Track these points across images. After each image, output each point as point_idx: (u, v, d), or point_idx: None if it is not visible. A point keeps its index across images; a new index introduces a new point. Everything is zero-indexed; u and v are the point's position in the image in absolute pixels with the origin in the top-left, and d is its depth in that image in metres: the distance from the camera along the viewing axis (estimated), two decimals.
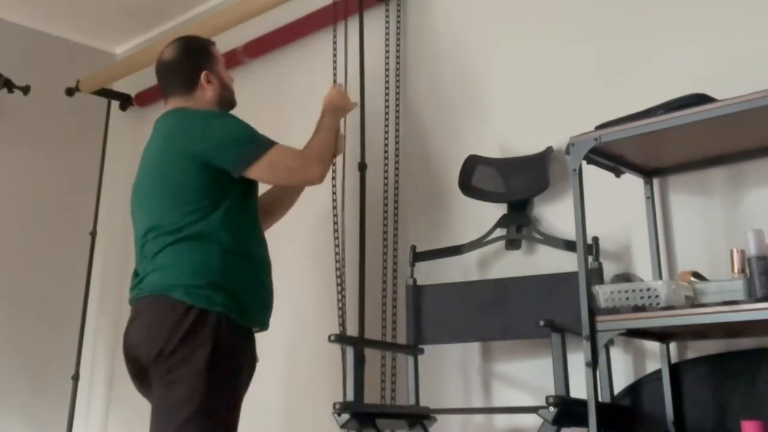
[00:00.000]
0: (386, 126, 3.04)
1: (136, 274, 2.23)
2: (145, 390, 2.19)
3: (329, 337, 2.37)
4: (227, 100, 2.42)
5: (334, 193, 2.95)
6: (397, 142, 3.02)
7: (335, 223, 2.91)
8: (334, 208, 2.93)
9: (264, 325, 2.24)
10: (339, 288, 2.83)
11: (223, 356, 2.05)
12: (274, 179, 2.30)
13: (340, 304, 2.79)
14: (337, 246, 2.84)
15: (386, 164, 3.00)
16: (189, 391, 2.00)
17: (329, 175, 2.85)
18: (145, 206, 2.24)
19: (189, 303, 2.05)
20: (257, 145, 2.20)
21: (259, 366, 2.23)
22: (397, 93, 3.08)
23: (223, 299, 2.09)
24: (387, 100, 3.06)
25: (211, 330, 2.04)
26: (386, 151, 3.02)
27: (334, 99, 2.51)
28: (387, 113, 3.05)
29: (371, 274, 2.87)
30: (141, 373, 2.14)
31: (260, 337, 2.23)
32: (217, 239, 2.14)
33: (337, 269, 2.84)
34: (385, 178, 2.98)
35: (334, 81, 3.04)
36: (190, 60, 2.39)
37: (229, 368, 2.08)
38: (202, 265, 2.11)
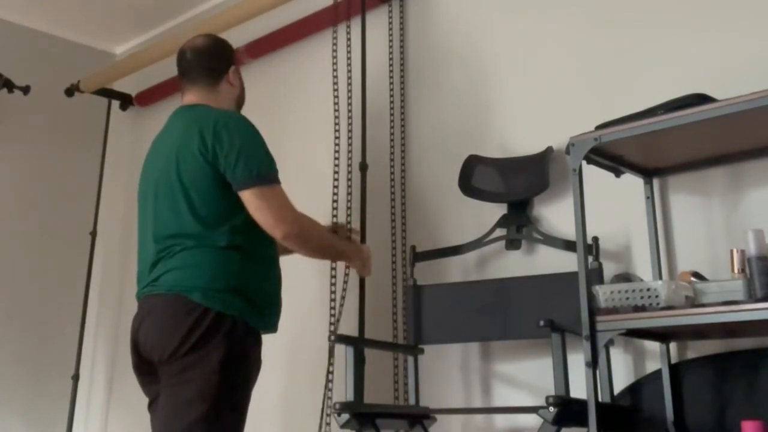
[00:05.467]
0: (391, 127, 3.04)
1: (151, 269, 2.17)
2: (147, 386, 2.19)
3: (329, 337, 2.37)
4: (241, 104, 2.43)
5: (335, 194, 2.93)
6: (403, 143, 3.02)
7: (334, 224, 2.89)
8: (334, 209, 2.91)
9: (275, 328, 2.25)
10: (332, 288, 2.81)
11: (235, 359, 2.06)
12: (256, 217, 2.13)
13: (333, 304, 2.78)
14: None
15: (392, 164, 3.00)
16: (200, 392, 2.00)
17: (332, 176, 2.85)
18: (164, 204, 2.18)
19: (206, 306, 2.05)
20: (268, 174, 2.16)
21: None
22: (402, 93, 3.08)
23: (239, 303, 2.09)
24: (392, 101, 3.06)
25: (227, 333, 2.05)
26: (392, 152, 3.02)
27: (363, 252, 2.51)
28: (392, 113, 3.05)
29: (375, 273, 2.87)
30: (148, 369, 2.14)
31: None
32: (237, 244, 2.13)
33: (332, 268, 2.83)
34: (392, 179, 2.98)
35: (335, 84, 3.02)
36: (223, 52, 2.39)
37: (240, 371, 2.08)
38: (222, 269, 2.10)
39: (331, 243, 2.44)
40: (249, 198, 2.12)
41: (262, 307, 2.17)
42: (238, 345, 2.07)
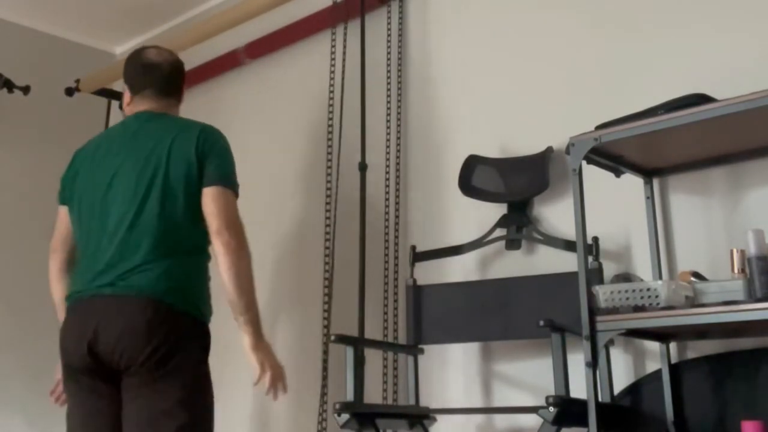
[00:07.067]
0: (388, 127, 3.04)
1: (110, 268, 2.09)
2: (92, 392, 2.09)
3: (330, 337, 2.37)
4: None
5: (328, 195, 2.93)
6: (398, 143, 3.02)
7: (327, 225, 2.89)
8: (327, 210, 2.91)
9: None
10: (325, 289, 2.81)
11: (206, 365, 2.10)
12: (211, 210, 2.12)
13: (326, 306, 2.78)
14: (327, 248, 2.83)
15: (387, 165, 3.00)
16: (178, 401, 1.98)
17: (324, 177, 2.85)
18: (138, 205, 2.13)
19: (182, 310, 2.05)
20: (235, 184, 2.21)
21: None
22: (399, 94, 3.08)
23: (207, 308, 2.15)
24: (389, 101, 3.06)
25: (201, 338, 2.08)
26: (388, 152, 3.02)
27: (274, 365, 2.18)
28: (389, 114, 3.05)
29: (372, 274, 2.87)
30: (105, 376, 2.05)
31: None
32: (204, 248, 2.18)
33: (326, 270, 2.83)
34: (387, 179, 2.98)
35: (331, 82, 3.02)
36: (183, 74, 2.43)
37: (209, 376, 2.11)
38: (193, 273, 2.13)
39: (256, 301, 2.16)
40: (214, 192, 2.13)
41: (211, 309, 2.21)
42: (207, 351, 2.11)
